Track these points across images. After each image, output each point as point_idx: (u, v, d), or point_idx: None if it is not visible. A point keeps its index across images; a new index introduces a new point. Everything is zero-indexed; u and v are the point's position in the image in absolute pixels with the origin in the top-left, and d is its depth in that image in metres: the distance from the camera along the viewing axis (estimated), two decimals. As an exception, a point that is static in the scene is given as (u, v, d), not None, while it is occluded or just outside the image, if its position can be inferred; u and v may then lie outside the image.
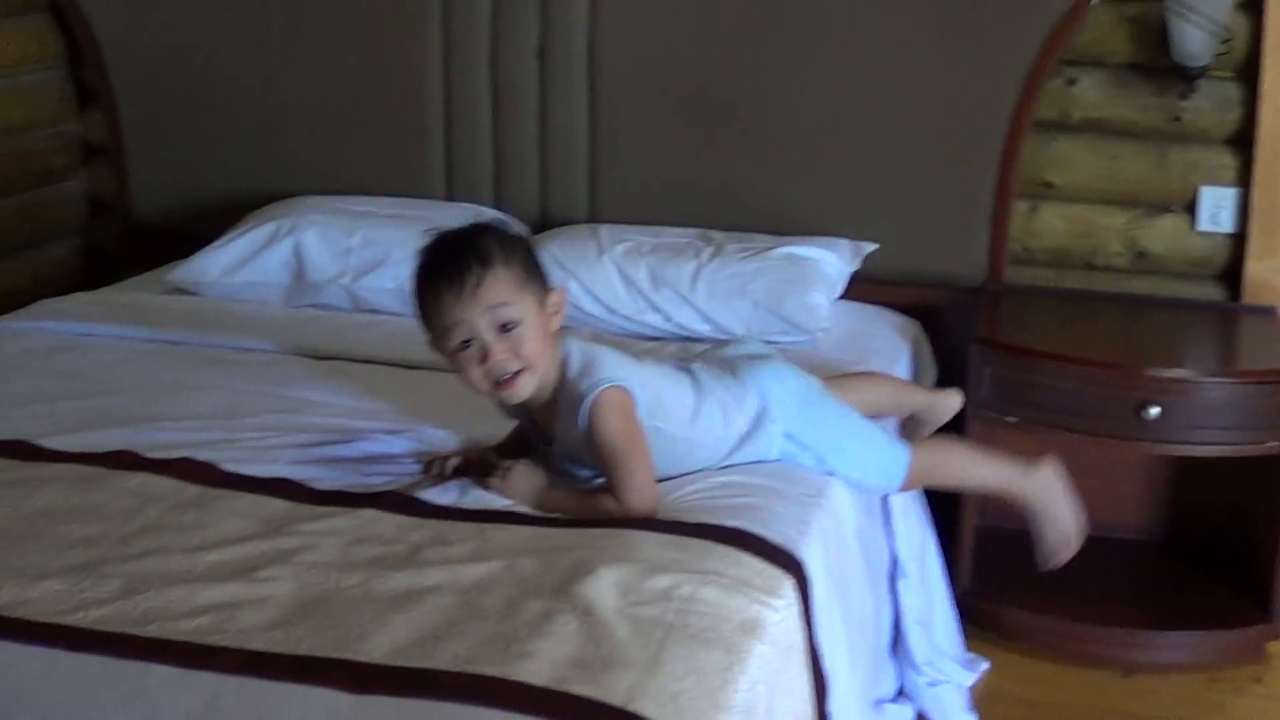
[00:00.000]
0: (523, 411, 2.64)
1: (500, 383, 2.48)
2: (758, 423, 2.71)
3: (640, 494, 2.48)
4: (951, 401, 3.19)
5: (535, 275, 2.52)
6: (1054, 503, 3.00)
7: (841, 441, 2.78)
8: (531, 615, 2.05)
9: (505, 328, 2.45)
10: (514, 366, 2.47)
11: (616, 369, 2.54)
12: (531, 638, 1.99)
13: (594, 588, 2.12)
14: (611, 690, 1.87)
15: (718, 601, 2.14)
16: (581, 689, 1.87)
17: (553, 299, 2.55)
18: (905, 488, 2.94)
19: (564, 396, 2.53)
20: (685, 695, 1.90)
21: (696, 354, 3.03)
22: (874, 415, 2.94)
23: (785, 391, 2.76)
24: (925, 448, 2.97)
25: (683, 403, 2.65)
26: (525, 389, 2.50)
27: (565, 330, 2.61)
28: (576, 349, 2.57)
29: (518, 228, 2.63)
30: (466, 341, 2.46)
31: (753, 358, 2.85)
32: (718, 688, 1.95)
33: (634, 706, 1.84)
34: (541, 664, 1.92)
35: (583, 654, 1.96)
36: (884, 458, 2.85)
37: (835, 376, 3.02)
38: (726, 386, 2.72)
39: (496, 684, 1.88)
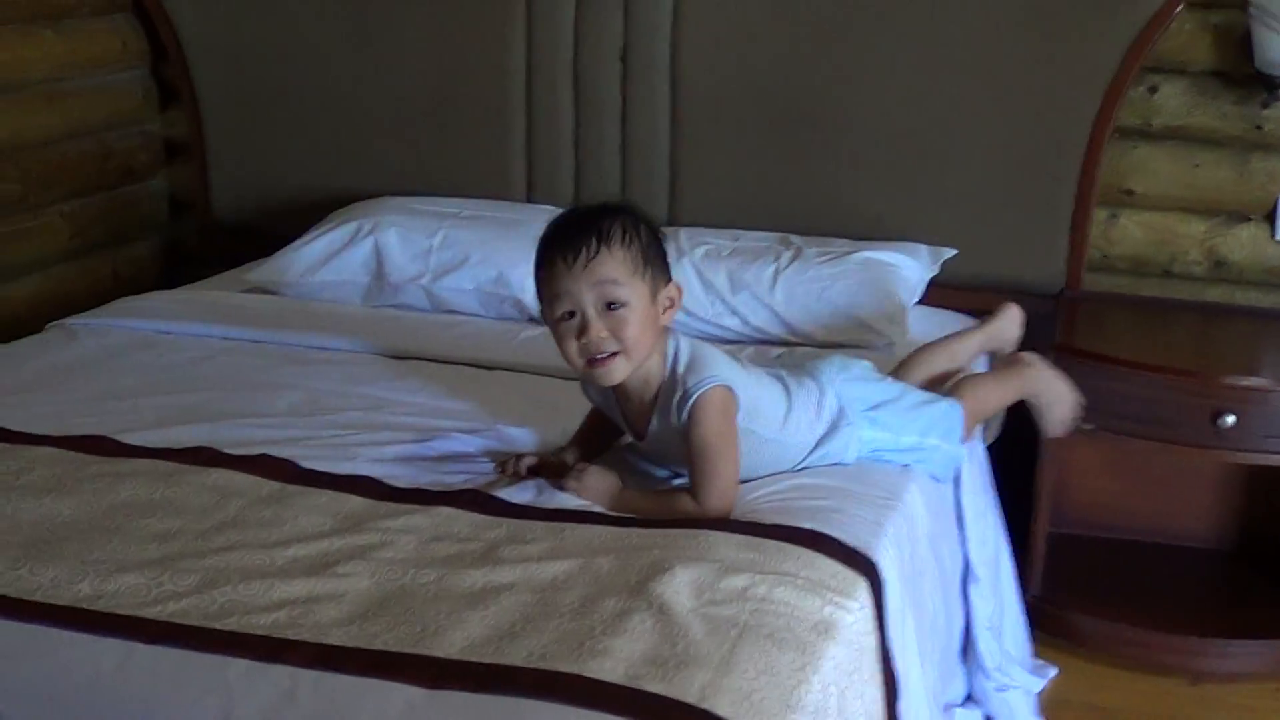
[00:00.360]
0: (613, 402, 2.65)
1: (594, 360, 2.48)
2: (834, 426, 2.73)
3: (721, 496, 2.49)
4: (1011, 317, 3.30)
5: (655, 263, 2.51)
6: (1049, 381, 3.14)
7: (912, 417, 2.84)
8: (607, 613, 2.07)
9: (611, 306, 2.45)
10: (611, 347, 2.46)
11: (724, 368, 2.55)
12: (606, 635, 2.00)
13: (669, 587, 2.14)
14: (685, 688, 1.88)
15: (792, 602, 2.15)
16: (655, 686, 1.88)
17: (668, 291, 2.55)
18: (967, 437, 2.99)
19: (666, 390, 2.53)
20: (758, 694, 1.92)
21: (774, 357, 3.03)
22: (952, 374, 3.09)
23: (856, 388, 2.79)
24: (961, 393, 3.00)
25: (776, 407, 2.66)
26: (618, 372, 2.50)
27: (673, 330, 2.61)
28: (685, 345, 2.57)
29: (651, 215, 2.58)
30: (571, 313, 2.47)
31: (819, 356, 2.88)
32: (791, 688, 1.96)
33: (707, 704, 1.85)
34: (616, 661, 1.94)
35: (657, 652, 1.97)
36: (947, 419, 2.89)
37: (896, 367, 3.10)
38: (808, 391, 2.74)
39: (571, 680, 1.89)
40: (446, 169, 4.18)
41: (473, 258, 3.67)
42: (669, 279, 2.56)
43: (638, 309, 2.46)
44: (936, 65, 3.81)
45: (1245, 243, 3.92)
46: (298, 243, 3.86)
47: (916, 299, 3.65)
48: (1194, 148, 3.91)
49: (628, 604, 2.09)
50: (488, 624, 2.05)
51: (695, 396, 2.49)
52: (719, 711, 1.85)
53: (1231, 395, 3.29)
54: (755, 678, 1.95)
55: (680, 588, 2.14)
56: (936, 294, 3.74)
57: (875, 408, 2.79)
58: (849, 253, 3.65)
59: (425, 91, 4.17)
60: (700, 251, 3.65)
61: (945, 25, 3.80)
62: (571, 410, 2.78)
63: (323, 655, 1.98)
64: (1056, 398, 3.14)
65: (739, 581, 2.17)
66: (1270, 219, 3.89)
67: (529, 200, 4.13)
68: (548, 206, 4.00)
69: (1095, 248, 3.95)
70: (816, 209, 3.91)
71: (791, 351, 3.07)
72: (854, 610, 2.23)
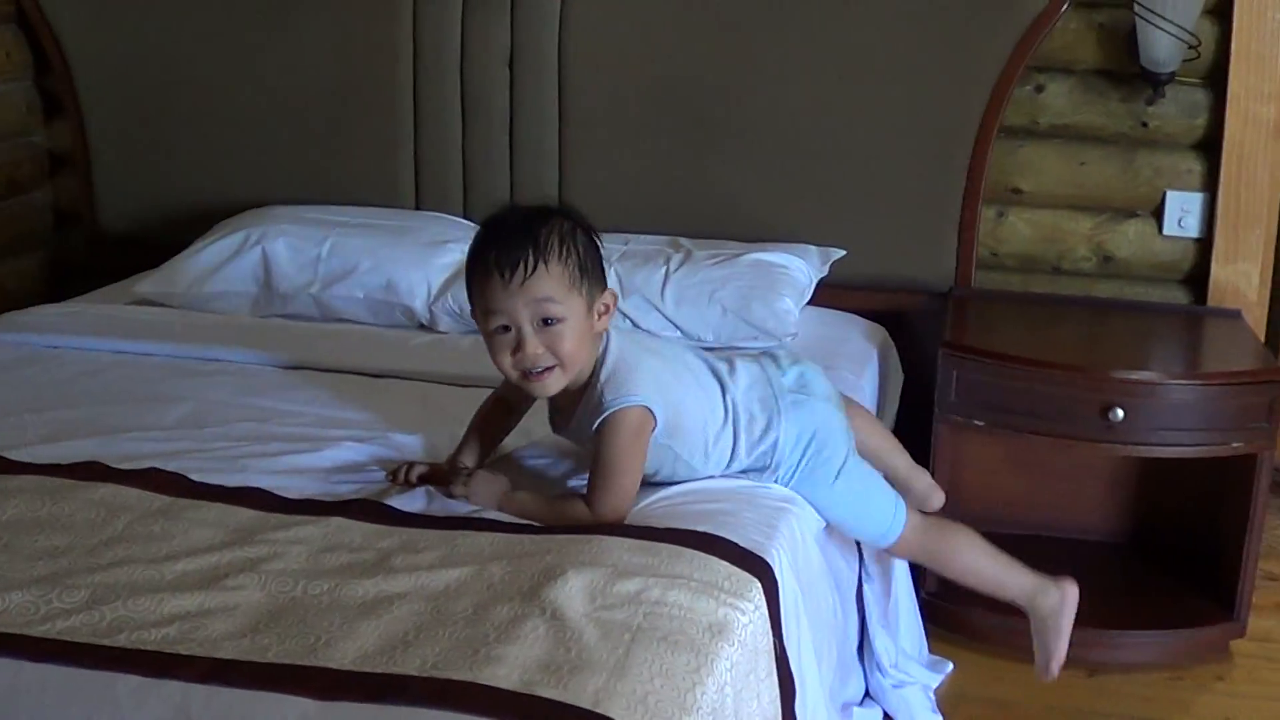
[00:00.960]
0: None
1: (529, 374, 2.48)
2: (760, 474, 2.72)
3: (614, 508, 2.48)
4: (931, 494, 3.10)
5: (591, 274, 2.50)
6: (1059, 628, 3.02)
7: (850, 490, 2.80)
8: (500, 620, 2.06)
9: (546, 322, 2.44)
10: (547, 362, 2.47)
11: (646, 385, 2.53)
12: (500, 642, 1.99)
13: (563, 592, 2.13)
14: (579, 693, 1.88)
15: (686, 604, 2.15)
16: (549, 692, 1.88)
17: (604, 299, 2.53)
18: (899, 552, 2.95)
19: (589, 394, 2.53)
20: (653, 697, 1.91)
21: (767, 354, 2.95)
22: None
23: (817, 443, 2.74)
24: (933, 524, 2.96)
25: (703, 430, 2.64)
26: (554, 386, 2.51)
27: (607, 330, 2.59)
28: (615, 349, 2.55)
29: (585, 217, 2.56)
30: (505, 327, 2.46)
31: (804, 397, 2.77)
32: (685, 690, 1.96)
33: (601, 709, 1.85)
34: (510, 668, 1.93)
35: (551, 658, 1.96)
36: (884, 512, 2.86)
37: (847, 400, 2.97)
38: (753, 423, 2.69)
39: (464, 688, 1.88)
40: (335, 177, 4.15)
41: (362, 266, 3.65)
42: (605, 286, 2.54)
43: (574, 324, 2.46)
44: (825, 67, 3.83)
45: (1132, 238, 3.97)
46: (185, 253, 3.82)
47: (806, 300, 3.65)
48: (1081, 145, 3.96)
49: (521, 610, 2.08)
50: (380, 634, 2.04)
51: (608, 414, 2.48)
52: (613, 715, 1.84)
53: (1120, 389, 3.32)
54: (650, 681, 1.94)
55: (573, 593, 2.13)
56: (827, 294, 3.75)
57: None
58: (738, 255, 3.66)
59: (312, 100, 4.14)
60: (591, 256, 3.64)
61: (834, 28, 3.82)
62: (462, 417, 2.77)
63: (214, 670, 1.96)
64: (1056, 643, 3.03)
65: (632, 585, 2.17)
66: (1157, 214, 3.94)
67: (418, 208, 4.11)
68: (436, 214, 4.01)
69: (984, 246, 3.99)
70: (707, 212, 3.92)
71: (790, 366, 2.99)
72: (748, 611, 2.23)
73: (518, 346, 2.45)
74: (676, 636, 2.06)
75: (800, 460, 2.71)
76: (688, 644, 2.06)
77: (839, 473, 2.75)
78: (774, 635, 2.33)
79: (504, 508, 2.52)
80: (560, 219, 2.49)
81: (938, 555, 2.97)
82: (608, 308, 2.54)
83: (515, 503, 2.54)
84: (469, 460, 2.69)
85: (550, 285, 2.42)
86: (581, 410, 2.54)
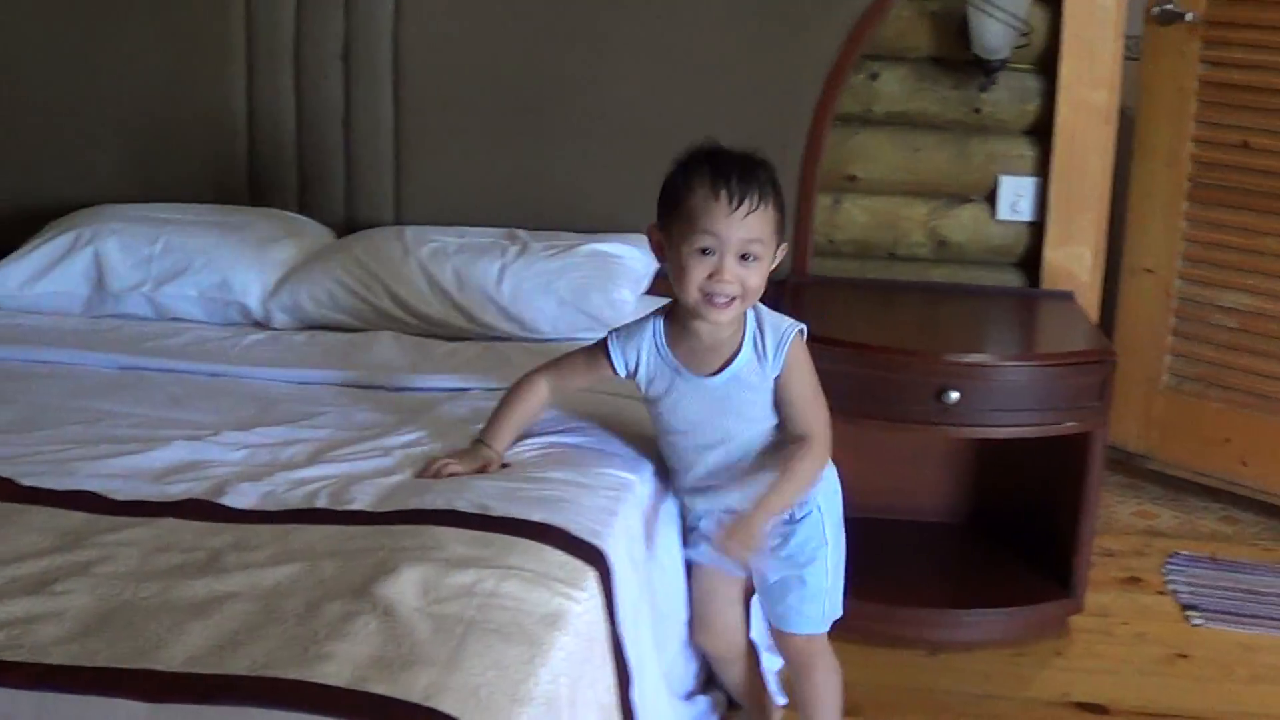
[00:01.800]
0: (664, 344, 2.73)
1: (713, 300, 2.56)
2: None
3: (826, 423, 2.73)
4: None
5: (783, 227, 2.64)
6: None
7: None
8: (331, 617, 2.05)
9: (744, 257, 2.54)
10: (734, 292, 2.56)
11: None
12: (331, 639, 1.98)
13: (395, 587, 2.12)
14: (410, 688, 1.87)
15: (520, 595, 2.15)
16: (380, 688, 1.86)
17: (781, 252, 2.66)
18: (814, 647, 2.91)
19: (746, 338, 2.66)
20: (485, 689, 1.91)
21: None
22: None
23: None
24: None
25: None
26: (729, 316, 2.60)
27: None
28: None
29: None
30: (709, 250, 2.54)
31: None
32: (519, 681, 1.96)
33: (433, 703, 1.84)
34: (341, 665, 1.91)
35: (383, 653, 1.95)
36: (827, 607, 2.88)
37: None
38: None
39: (294, 686, 1.86)
40: (168, 175, 4.08)
41: (195, 264, 3.61)
42: (783, 240, 2.67)
43: (764, 267, 2.59)
44: (658, 57, 3.84)
45: (967, 223, 4.02)
46: (14, 255, 3.75)
47: (644, 289, 3.66)
48: (915, 132, 4.00)
49: (352, 607, 2.07)
50: (210, 634, 2.02)
51: (791, 335, 2.67)
52: (444, 709, 1.83)
53: (955, 372, 3.36)
54: (482, 673, 1.94)
55: (405, 588, 2.12)
56: (666, 284, 3.73)
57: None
58: (575, 246, 3.65)
59: (145, 97, 4.07)
60: (426, 250, 3.63)
61: (669, 18, 3.83)
62: (295, 412, 2.74)
63: (42, 675, 1.92)
64: None
65: (465, 578, 2.17)
66: (991, 199, 3.99)
67: (251, 204, 4.05)
68: (270, 210, 3.96)
69: (820, 233, 4.02)
70: (545, 203, 3.92)
71: None
72: (582, 600, 2.23)
73: (714, 271, 2.54)
74: (510, 628, 2.06)
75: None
76: (521, 635, 2.06)
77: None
78: (610, 623, 2.34)
79: (763, 530, 2.62)
80: (772, 171, 2.62)
81: (815, 675, 2.94)
82: (779, 262, 2.66)
83: (763, 517, 2.61)
84: (500, 445, 2.73)
85: (762, 226, 2.55)
86: (742, 354, 2.65)
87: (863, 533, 3.06)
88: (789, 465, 2.64)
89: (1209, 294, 4.50)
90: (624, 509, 2.61)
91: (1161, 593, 3.93)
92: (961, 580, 3.69)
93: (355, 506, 2.50)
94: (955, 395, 3.32)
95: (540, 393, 2.81)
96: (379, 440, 2.83)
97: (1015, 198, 3.98)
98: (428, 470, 2.66)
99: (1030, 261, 4.02)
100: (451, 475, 2.63)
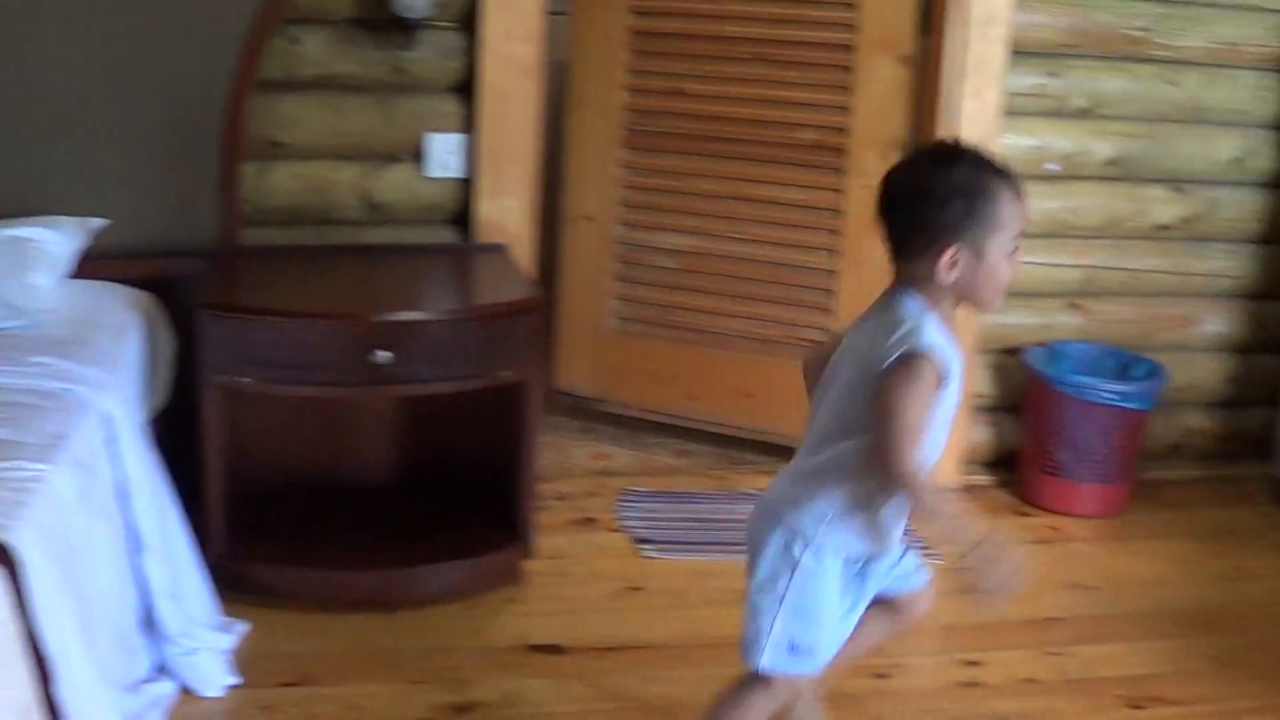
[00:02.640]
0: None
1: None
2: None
3: None
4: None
5: None
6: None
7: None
8: None
9: None
10: None
11: None
12: None
13: None
14: None
15: (-88, 603, 2.06)
16: None
17: None
18: (765, 686, 2.76)
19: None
20: None
21: None
22: None
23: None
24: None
25: None
26: None
27: None
28: None
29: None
30: (1016, 249, 2.57)
31: None
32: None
33: None
34: None
35: None
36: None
37: None
38: None
39: None
40: None
41: None
42: None
43: None
44: (68, 31, 3.71)
45: (398, 183, 4.03)
46: None
47: (64, 273, 3.53)
48: (340, 95, 3.98)
49: None
50: None
51: None
52: None
53: (386, 332, 3.37)
54: None
55: None
56: (94, 266, 3.64)
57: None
58: (-15, 232, 3.51)
59: None
60: None
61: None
62: None
63: None
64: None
65: None
66: (420, 158, 4.01)
67: None
68: None
69: (249, 202, 3.95)
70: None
71: None
72: (-17, 600, 2.15)
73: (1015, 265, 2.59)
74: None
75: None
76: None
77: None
78: (23, 621, 2.26)
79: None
80: None
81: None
82: None
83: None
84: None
85: None
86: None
87: (312, 501, 3.05)
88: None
89: (647, 237, 4.64)
90: (35, 501, 2.52)
91: (615, 530, 4.05)
92: (412, 538, 3.70)
93: None
94: (386, 355, 3.33)
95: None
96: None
97: (444, 155, 4.01)
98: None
99: (464, 217, 4.05)
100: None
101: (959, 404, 2.66)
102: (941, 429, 2.62)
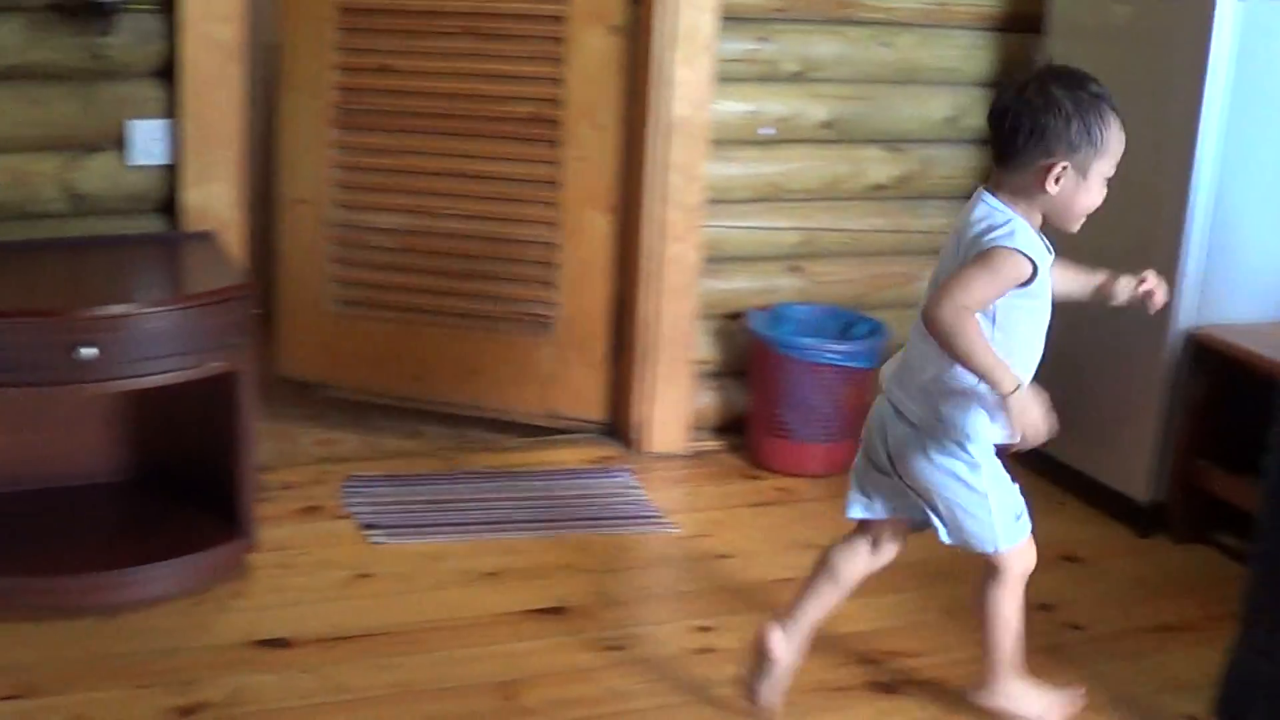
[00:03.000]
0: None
1: None
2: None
3: None
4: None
5: None
6: None
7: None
8: None
9: None
10: None
11: None
12: None
13: None
14: None
15: None
16: None
17: None
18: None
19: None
20: None
21: None
22: None
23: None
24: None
25: None
26: None
27: None
28: None
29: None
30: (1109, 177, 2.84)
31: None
32: None
33: None
34: None
35: None
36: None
37: None
38: None
39: None
40: None
41: None
42: None
43: None
44: None
45: (101, 173, 3.90)
46: None
47: None
48: (38, 84, 3.83)
49: None
50: None
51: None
52: None
53: (90, 326, 3.25)
54: None
55: None
56: None
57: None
58: None
59: None
60: None
61: None
62: None
63: None
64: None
65: None
66: (122, 146, 3.89)
67: None
68: None
69: (-65, 201, 3.80)
70: None
71: None
72: None
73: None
74: None
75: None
76: None
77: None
78: None
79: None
80: None
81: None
82: None
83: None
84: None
85: None
86: None
87: (26, 505, 2.93)
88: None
89: (365, 218, 4.59)
90: None
91: (342, 517, 3.99)
92: (133, 537, 3.59)
93: None
94: (91, 351, 3.22)
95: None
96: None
97: (148, 142, 3.89)
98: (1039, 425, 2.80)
99: (171, 205, 3.94)
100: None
101: (1049, 318, 2.94)
102: (1034, 340, 2.94)
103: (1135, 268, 3.12)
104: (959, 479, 2.96)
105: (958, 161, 4.76)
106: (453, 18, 4.41)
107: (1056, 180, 2.79)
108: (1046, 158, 2.78)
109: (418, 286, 4.57)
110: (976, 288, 2.77)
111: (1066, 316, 3.05)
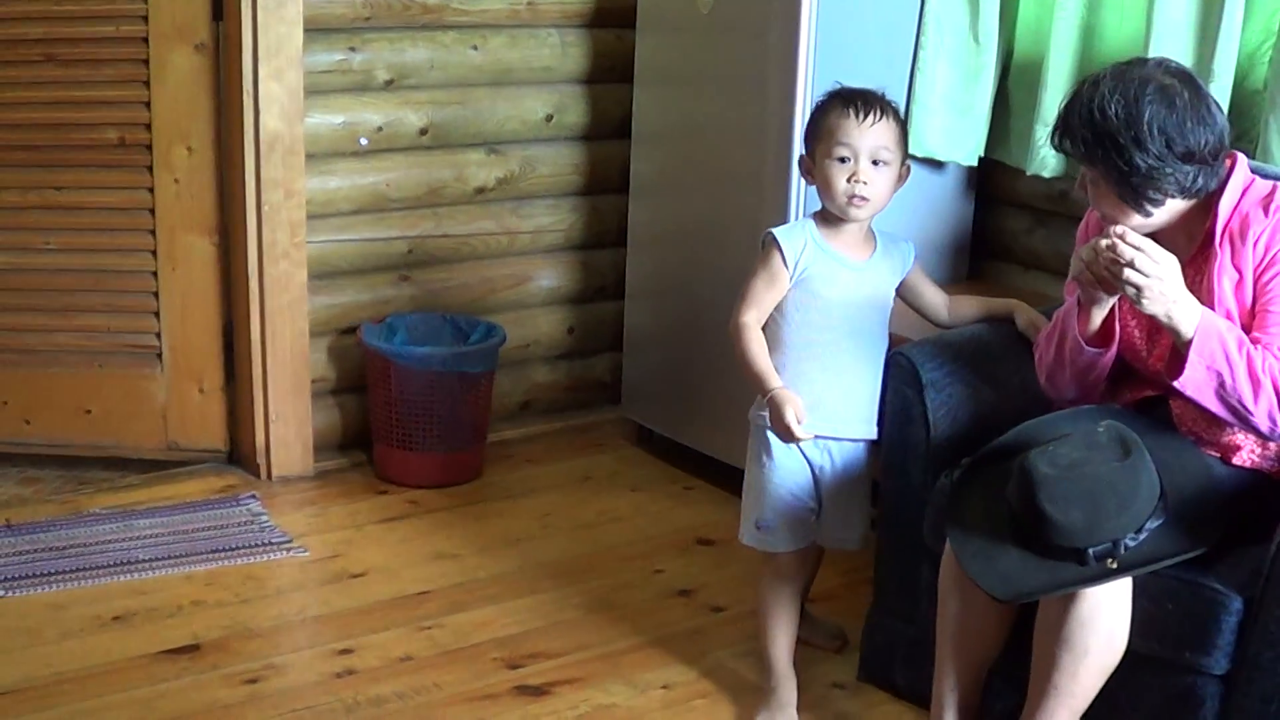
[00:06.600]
0: (821, 239, 3.20)
1: (853, 199, 3.11)
2: None
3: None
4: None
5: (905, 142, 3.19)
6: None
7: None
8: None
9: (875, 163, 3.11)
10: (866, 193, 3.11)
11: None
12: None
13: None
14: None
15: None
16: None
17: (905, 171, 3.21)
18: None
19: (874, 242, 3.27)
20: None
21: None
22: None
23: None
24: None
25: None
26: (865, 214, 3.16)
27: None
28: None
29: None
30: (844, 159, 3.10)
31: None
32: None
33: None
34: None
35: None
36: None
37: None
38: None
39: None
40: None
41: None
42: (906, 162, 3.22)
43: (891, 174, 3.15)
44: None
45: None
46: None
47: None
48: None
49: None
50: None
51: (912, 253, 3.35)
52: None
53: None
54: None
55: None
56: None
57: None
58: None
59: None
60: None
61: None
62: None
63: None
64: None
65: None
66: None
67: None
68: None
69: None
70: None
71: None
72: None
73: (852, 174, 3.10)
74: None
75: None
76: None
77: None
78: None
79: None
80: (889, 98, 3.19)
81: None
82: (902, 179, 3.21)
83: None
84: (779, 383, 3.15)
85: (889, 136, 3.12)
86: (878, 254, 3.27)
87: None
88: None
89: (-49, 260, 4.37)
90: None
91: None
92: None
93: None
94: None
95: (759, 332, 3.18)
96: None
97: None
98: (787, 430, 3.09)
99: None
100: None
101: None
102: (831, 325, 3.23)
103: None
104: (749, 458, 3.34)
105: (560, 159, 4.78)
106: (31, 45, 4.22)
107: (806, 174, 3.23)
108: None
109: (18, 326, 4.38)
110: (745, 285, 3.21)
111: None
